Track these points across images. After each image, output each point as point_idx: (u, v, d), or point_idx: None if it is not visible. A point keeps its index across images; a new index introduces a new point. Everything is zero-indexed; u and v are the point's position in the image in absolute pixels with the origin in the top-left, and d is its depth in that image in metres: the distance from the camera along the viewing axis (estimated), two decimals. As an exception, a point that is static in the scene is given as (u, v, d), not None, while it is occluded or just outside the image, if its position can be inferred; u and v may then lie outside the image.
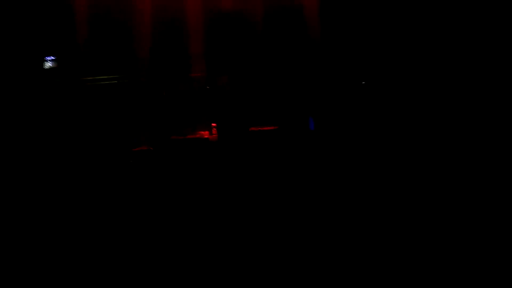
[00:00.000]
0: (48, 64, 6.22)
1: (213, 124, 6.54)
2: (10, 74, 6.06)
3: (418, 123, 6.22)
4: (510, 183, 4.79)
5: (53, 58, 6.24)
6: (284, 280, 3.60)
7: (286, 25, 6.63)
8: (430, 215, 4.46)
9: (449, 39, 6.46)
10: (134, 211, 5.08)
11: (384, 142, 6.11)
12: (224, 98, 6.52)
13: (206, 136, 6.49)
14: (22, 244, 4.32)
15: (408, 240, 4.03)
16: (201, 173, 5.99)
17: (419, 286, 3.44)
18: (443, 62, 6.48)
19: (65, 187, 5.62)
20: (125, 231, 4.61)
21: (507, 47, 6.24)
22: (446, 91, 6.38)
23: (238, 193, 5.42)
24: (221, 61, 6.59)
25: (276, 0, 6.69)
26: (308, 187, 5.38)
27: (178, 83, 6.49)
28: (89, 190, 5.56)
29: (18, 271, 3.89)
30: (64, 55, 6.23)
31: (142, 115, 6.36)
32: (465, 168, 5.28)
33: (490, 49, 6.31)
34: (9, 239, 4.40)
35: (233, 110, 6.57)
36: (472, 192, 4.75)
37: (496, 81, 6.22)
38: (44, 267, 3.93)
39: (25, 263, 4.01)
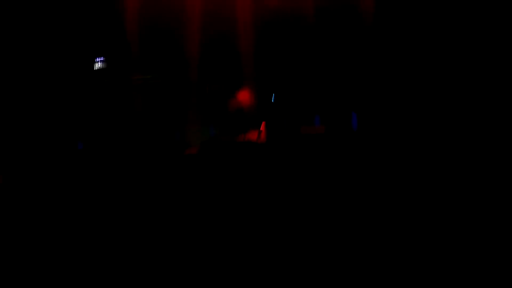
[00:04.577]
0: (98, 65, 6.25)
1: (261, 128, 6.40)
2: (62, 73, 6.13)
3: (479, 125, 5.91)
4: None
5: (103, 59, 6.27)
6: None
7: (336, 23, 6.47)
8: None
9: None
10: (180, 212, 4.99)
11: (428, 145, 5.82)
12: (273, 102, 6.40)
13: (254, 139, 6.35)
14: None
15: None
16: (249, 176, 5.85)
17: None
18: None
19: (110, 183, 5.58)
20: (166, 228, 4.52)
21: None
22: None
23: (282, 198, 5.26)
24: (270, 65, 6.50)
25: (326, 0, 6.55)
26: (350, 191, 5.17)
27: (226, 85, 6.42)
28: (135, 188, 5.50)
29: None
30: (114, 56, 6.27)
31: (188, 115, 6.31)
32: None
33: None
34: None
35: (281, 113, 6.43)
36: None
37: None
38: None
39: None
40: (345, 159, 5.87)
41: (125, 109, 6.36)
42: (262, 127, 6.35)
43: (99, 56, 6.28)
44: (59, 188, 5.38)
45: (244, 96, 6.43)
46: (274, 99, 6.56)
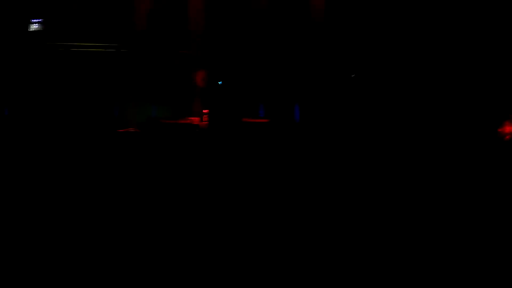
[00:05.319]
0: (35, 27, 5.71)
1: (205, 111, 6.19)
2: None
3: (406, 118, 6.16)
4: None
5: (40, 20, 5.74)
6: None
7: (288, 13, 6.39)
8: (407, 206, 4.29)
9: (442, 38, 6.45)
10: (117, 196, 4.67)
11: (369, 136, 5.98)
12: (218, 85, 6.20)
13: (196, 122, 6.13)
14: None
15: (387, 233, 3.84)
16: (189, 159, 5.63)
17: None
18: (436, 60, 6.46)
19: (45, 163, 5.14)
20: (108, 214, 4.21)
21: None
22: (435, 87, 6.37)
23: (224, 180, 5.12)
24: (219, 42, 6.27)
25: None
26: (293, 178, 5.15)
27: (173, 60, 6.12)
28: (71, 169, 5.10)
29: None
30: (52, 20, 5.76)
31: (129, 92, 5.94)
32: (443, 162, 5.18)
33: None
34: None
35: (226, 97, 6.26)
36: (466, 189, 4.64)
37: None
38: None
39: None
40: (285, 148, 5.85)
41: (60, 76, 5.88)
42: (205, 112, 6.14)
43: (36, 18, 5.75)
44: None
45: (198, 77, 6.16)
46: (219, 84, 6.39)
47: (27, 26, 5.71)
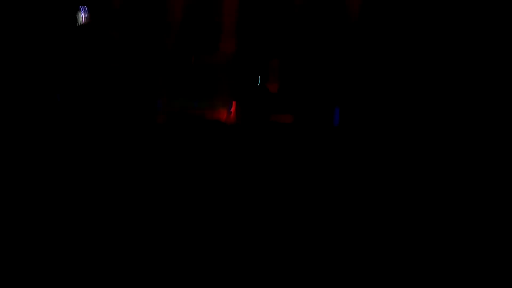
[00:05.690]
0: (81, 19, 6.18)
1: (232, 109, 6.27)
2: (42, 24, 6.07)
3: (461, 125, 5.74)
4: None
5: (87, 13, 6.20)
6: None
7: (324, 7, 6.28)
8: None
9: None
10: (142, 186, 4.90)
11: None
12: (251, 80, 6.24)
13: (223, 118, 6.23)
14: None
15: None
16: (213, 154, 5.74)
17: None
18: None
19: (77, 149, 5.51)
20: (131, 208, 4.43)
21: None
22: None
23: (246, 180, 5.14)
24: (253, 39, 6.32)
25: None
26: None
27: (206, 56, 6.28)
28: (103, 155, 5.43)
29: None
30: (96, 11, 6.19)
31: (164, 85, 6.19)
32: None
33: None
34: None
35: (257, 94, 6.29)
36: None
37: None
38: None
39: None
40: (314, 152, 5.73)
41: (107, 66, 6.28)
42: (233, 108, 6.23)
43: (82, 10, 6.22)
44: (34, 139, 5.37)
45: None
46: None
47: (77, 18, 6.18)
